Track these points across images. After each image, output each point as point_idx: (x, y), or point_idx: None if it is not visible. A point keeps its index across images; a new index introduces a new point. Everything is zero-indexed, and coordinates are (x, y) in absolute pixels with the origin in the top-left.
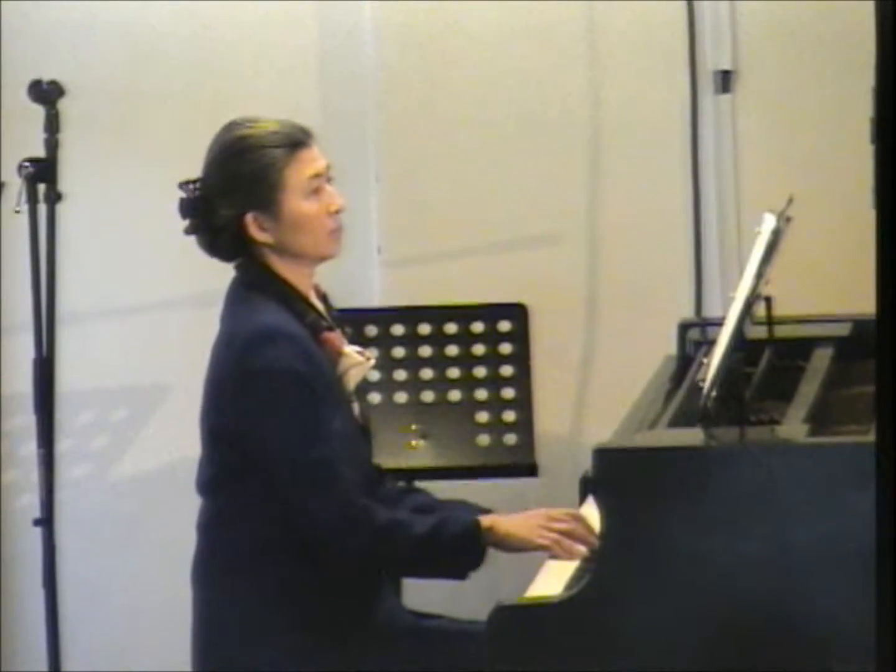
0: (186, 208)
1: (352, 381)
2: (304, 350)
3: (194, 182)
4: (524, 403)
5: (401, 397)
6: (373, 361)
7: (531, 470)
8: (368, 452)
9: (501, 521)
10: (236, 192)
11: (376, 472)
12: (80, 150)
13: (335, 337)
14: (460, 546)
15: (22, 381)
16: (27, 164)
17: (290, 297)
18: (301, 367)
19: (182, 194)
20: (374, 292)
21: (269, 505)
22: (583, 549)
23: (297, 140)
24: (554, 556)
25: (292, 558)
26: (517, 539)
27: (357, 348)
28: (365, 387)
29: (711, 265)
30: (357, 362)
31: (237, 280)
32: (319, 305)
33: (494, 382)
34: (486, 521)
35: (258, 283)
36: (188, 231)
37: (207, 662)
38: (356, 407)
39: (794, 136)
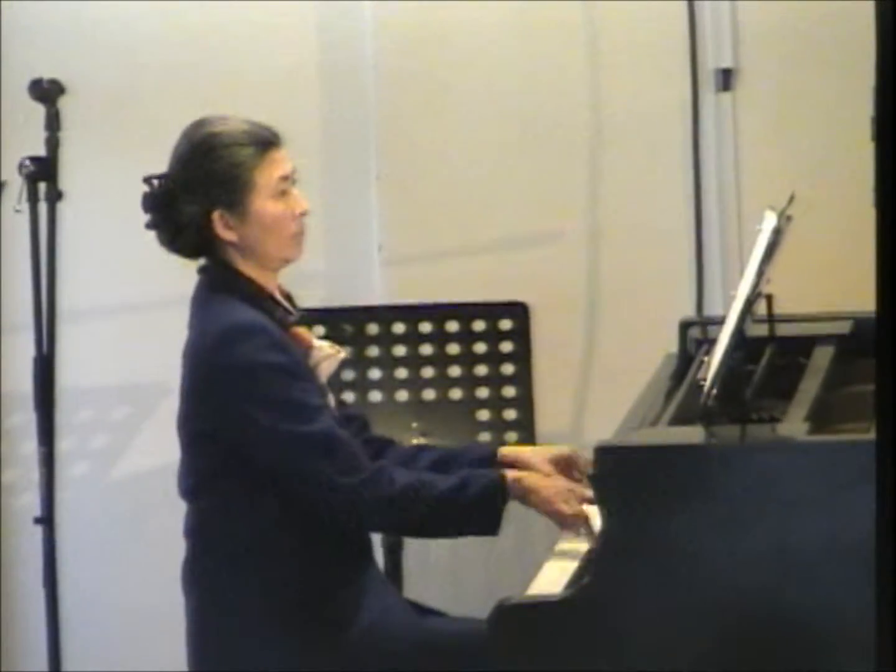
0: (149, 203)
1: (323, 373)
2: (278, 341)
3: (160, 177)
4: (525, 402)
5: (402, 395)
6: (343, 354)
7: None
8: None
9: (528, 476)
10: (205, 189)
11: (381, 443)
12: (80, 148)
13: (303, 331)
14: (488, 500)
15: (22, 380)
16: (28, 162)
17: (256, 296)
18: (278, 357)
19: (145, 188)
20: (375, 290)
21: (254, 505)
22: (593, 531)
23: (267, 140)
24: (563, 527)
25: (278, 559)
26: (541, 498)
27: (327, 343)
28: (365, 385)
29: (712, 263)
30: (328, 354)
31: (202, 283)
32: (285, 304)
33: (495, 381)
34: (511, 473)
35: (224, 283)
36: (149, 226)
37: (201, 664)
38: (331, 399)
39: (794, 134)
